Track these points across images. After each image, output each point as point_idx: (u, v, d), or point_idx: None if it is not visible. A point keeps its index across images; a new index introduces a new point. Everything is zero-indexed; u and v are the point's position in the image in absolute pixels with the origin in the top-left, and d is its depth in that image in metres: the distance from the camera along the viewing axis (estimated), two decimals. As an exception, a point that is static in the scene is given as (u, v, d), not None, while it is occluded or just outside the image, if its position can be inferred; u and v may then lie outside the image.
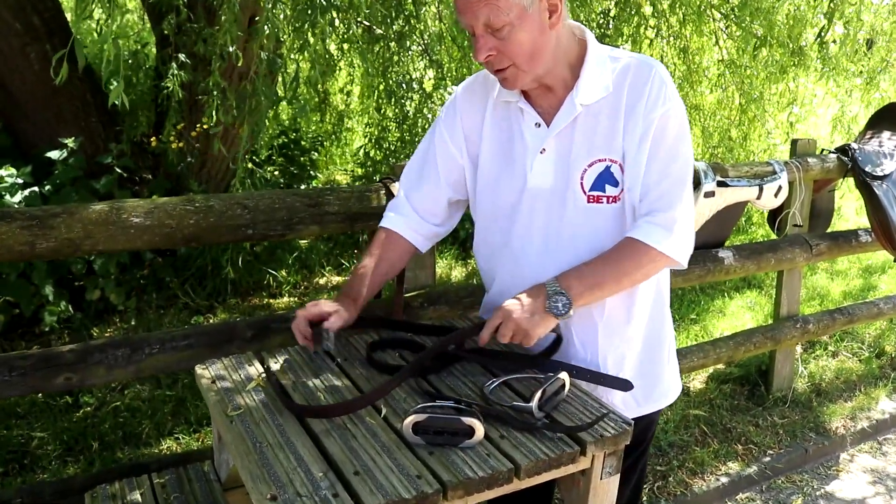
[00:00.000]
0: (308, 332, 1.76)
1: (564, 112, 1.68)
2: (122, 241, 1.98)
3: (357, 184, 6.07)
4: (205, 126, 4.17)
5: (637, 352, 1.87)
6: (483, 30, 1.57)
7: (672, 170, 1.66)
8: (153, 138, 4.38)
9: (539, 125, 1.71)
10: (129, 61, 4.25)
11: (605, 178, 1.67)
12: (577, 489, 1.64)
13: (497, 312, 1.65)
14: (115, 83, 2.05)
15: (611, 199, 1.68)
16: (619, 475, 1.65)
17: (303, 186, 5.67)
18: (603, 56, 1.69)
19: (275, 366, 1.79)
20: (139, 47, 4.59)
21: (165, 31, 4.05)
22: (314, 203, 2.22)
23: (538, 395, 1.57)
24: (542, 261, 1.75)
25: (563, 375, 1.67)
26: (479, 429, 1.47)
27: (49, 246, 1.89)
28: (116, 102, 2.08)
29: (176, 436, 3.16)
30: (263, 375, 1.73)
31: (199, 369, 1.78)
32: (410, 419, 1.47)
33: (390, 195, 2.30)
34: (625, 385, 1.73)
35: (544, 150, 1.70)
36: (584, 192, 1.68)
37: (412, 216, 1.90)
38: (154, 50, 4.69)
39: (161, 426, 3.19)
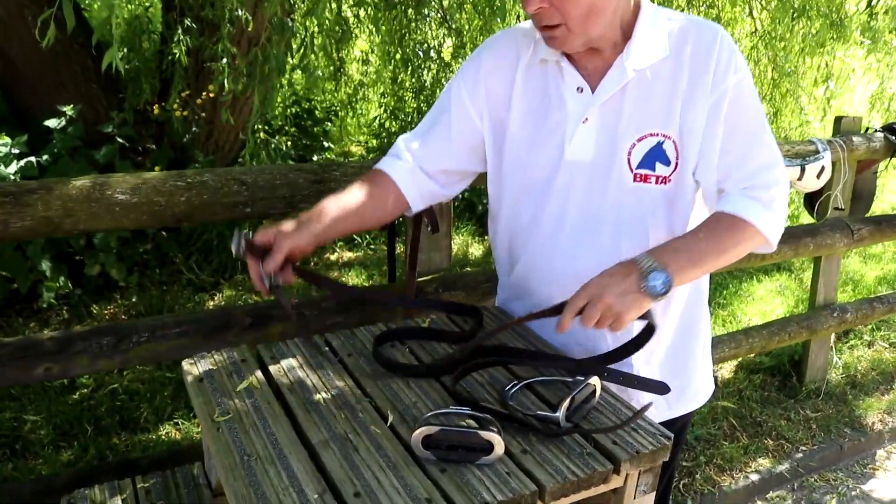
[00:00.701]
0: (256, 267, 1.47)
1: (613, 76, 1.45)
2: (107, 220, 1.80)
3: (371, 156, 5.88)
4: (211, 94, 3.97)
5: (667, 346, 1.67)
6: None
7: (763, 140, 1.46)
8: (156, 106, 4.18)
9: (582, 90, 1.48)
10: (133, 25, 4.05)
11: (656, 156, 1.46)
12: (607, 509, 1.45)
13: (582, 292, 1.36)
14: (116, 48, 1.85)
15: (660, 179, 1.47)
16: (654, 493, 1.46)
17: (315, 158, 5.48)
18: (658, 16, 1.47)
19: (271, 362, 1.61)
20: (143, 10, 4.38)
21: (171, -7, 3.85)
22: (319, 179, 2.02)
23: (566, 403, 1.39)
24: (578, 243, 1.54)
25: (594, 380, 1.48)
26: (499, 444, 1.28)
27: (24, 225, 1.71)
28: (119, 68, 1.88)
29: (175, 421, 3.00)
30: (257, 375, 1.55)
31: (186, 365, 1.60)
32: (420, 432, 1.28)
33: (402, 171, 2.10)
34: (662, 388, 1.52)
35: (587, 119, 1.47)
36: (631, 170, 1.47)
37: (413, 167, 1.62)
38: (159, 14, 4.49)
39: (160, 411, 3.03)
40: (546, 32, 1.43)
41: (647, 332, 1.47)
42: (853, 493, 3.04)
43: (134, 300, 3.82)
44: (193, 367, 1.59)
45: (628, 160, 1.47)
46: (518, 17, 4.36)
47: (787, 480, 3.05)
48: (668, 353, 1.68)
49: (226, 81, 3.17)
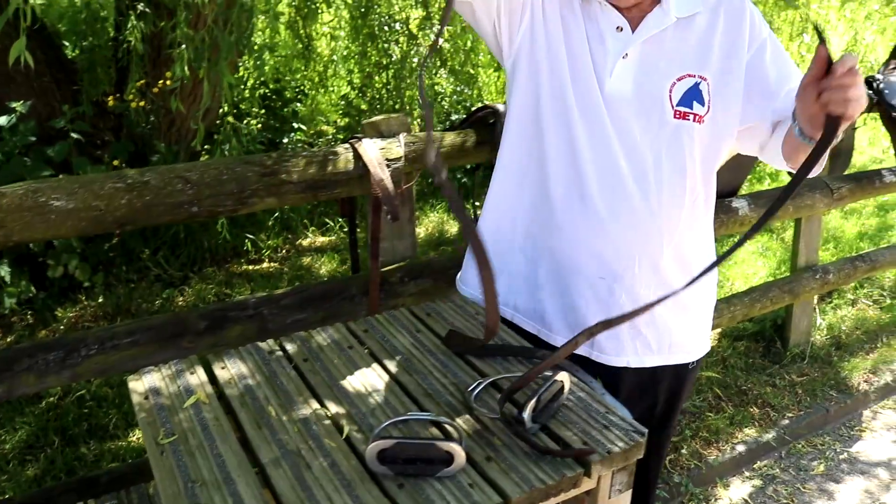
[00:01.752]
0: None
1: (654, 18, 1.52)
2: (42, 230, 1.69)
3: (341, 135, 5.75)
4: (168, 82, 3.83)
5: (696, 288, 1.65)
6: None
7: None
8: (110, 98, 4.04)
9: (622, 29, 1.54)
10: (84, 13, 3.90)
11: (694, 95, 1.54)
12: (581, 511, 1.38)
13: (849, 60, 1.25)
14: (24, 38, 1.71)
15: (697, 117, 1.54)
16: (630, 490, 1.39)
17: (286, 140, 5.35)
18: None
19: (221, 371, 1.52)
20: (92, -2, 4.23)
21: (120, -21, 3.70)
22: (269, 172, 1.92)
23: (532, 403, 1.30)
24: (619, 171, 1.55)
25: (563, 376, 1.40)
26: (460, 455, 1.20)
27: (-48, 239, 1.60)
28: (29, 62, 1.75)
29: (146, 424, 2.91)
30: (206, 388, 1.46)
31: (131, 382, 1.51)
32: (375, 446, 1.20)
33: (358, 158, 2.00)
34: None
35: (627, 55, 1.53)
36: (672, 107, 1.53)
37: None
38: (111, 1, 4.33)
39: (129, 415, 2.94)
40: None
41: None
42: (841, 456, 3.00)
43: (101, 300, 3.72)
44: (139, 384, 1.49)
45: (669, 97, 1.53)
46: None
47: (774, 449, 3.00)
48: (675, 301, 1.61)
49: (186, 68, 3.04)
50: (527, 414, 1.29)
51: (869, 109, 3.31)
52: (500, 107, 2.19)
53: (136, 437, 2.86)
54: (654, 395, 1.77)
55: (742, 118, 1.56)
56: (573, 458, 1.24)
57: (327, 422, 1.35)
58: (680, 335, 1.69)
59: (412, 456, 1.20)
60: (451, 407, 1.39)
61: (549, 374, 1.40)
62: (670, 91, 1.53)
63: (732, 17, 1.54)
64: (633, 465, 1.35)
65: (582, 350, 1.66)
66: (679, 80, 1.53)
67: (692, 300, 1.70)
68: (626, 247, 1.58)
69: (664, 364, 1.70)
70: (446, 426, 1.32)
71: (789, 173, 1.62)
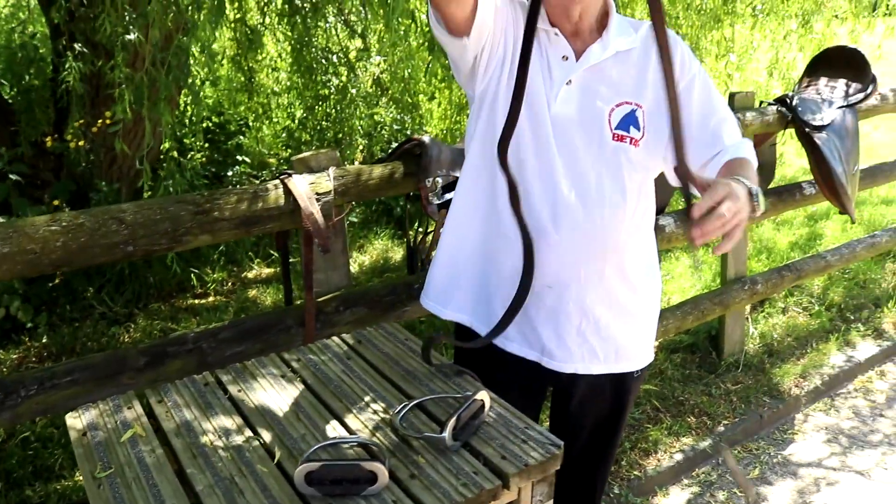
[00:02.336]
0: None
1: (596, 49, 1.67)
2: (-24, 275, 1.73)
3: (283, 166, 5.79)
4: (108, 121, 3.86)
5: (641, 302, 1.83)
6: None
7: (727, 105, 1.76)
8: (48, 138, 4.05)
9: (567, 58, 1.67)
10: (18, 54, 3.91)
11: (630, 121, 1.68)
12: (506, 522, 1.45)
13: (722, 188, 1.39)
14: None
15: (634, 140, 1.67)
16: (551, 501, 1.47)
17: (230, 173, 5.38)
18: (623, 18, 1.73)
19: (158, 405, 1.57)
20: (28, 38, 4.24)
21: (56, 21, 3.72)
22: (201, 210, 1.98)
23: (452, 422, 1.38)
24: (561, 188, 1.67)
25: (483, 395, 1.48)
26: (383, 474, 1.27)
27: None
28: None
29: (93, 463, 2.92)
30: (143, 421, 1.51)
31: (69, 419, 1.55)
32: (302, 468, 1.27)
33: (288, 193, 2.07)
34: None
35: (570, 81, 1.67)
36: (612, 129, 1.67)
37: None
38: (49, 41, 4.34)
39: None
40: None
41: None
42: (775, 460, 3.12)
43: (44, 341, 3.71)
44: (77, 421, 1.54)
45: (609, 121, 1.66)
46: (413, 16, 4.32)
47: (710, 456, 3.11)
48: (620, 310, 1.79)
49: (117, 110, 3.08)
50: (447, 433, 1.37)
51: (785, 126, 3.49)
52: (427, 139, 2.29)
53: (82, 476, 2.86)
54: (602, 403, 1.87)
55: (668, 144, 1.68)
56: (492, 471, 1.32)
57: (260, 448, 1.41)
58: (625, 344, 1.80)
59: (338, 477, 1.27)
60: (378, 429, 1.46)
61: (469, 393, 1.49)
62: (609, 116, 1.66)
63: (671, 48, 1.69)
64: (553, 477, 1.44)
65: (532, 356, 1.77)
66: (617, 106, 1.67)
67: (637, 309, 1.81)
68: (570, 257, 1.69)
69: (610, 372, 1.80)
70: (372, 447, 1.39)
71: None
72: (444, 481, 1.30)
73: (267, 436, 1.45)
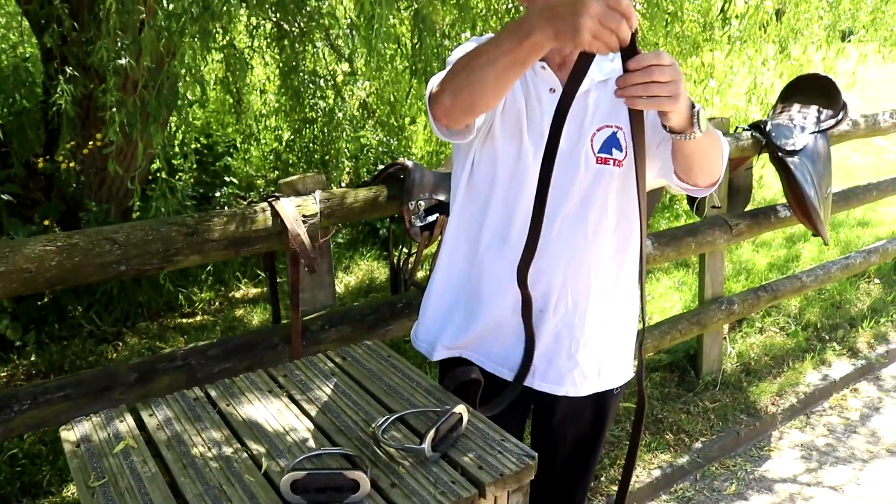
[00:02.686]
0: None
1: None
2: (-27, 292, 1.79)
3: (270, 188, 5.86)
4: (99, 143, 3.93)
5: (625, 321, 1.89)
6: None
7: None
8: (40, 159, 4.11)
9: (554, 90, 1.73)
10: (10, 77, 3.98)
11: (612, 143, 1.75)
12: (483, 530, 1.52)
13: (669, 59, 1.37)
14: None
15: (616, 162, 1.74)
16: (527, 510, 1.54)
17: (217, 194, 5.45)
18: None
19: (149, 419, 1.64)
20: (21, 61, 4.31)
21: (48, 45, 3.79)
22: (192, 231, 2.05)
23: (431, 434, 1.45)
24: (552, 215, 1.73)
25: (460, 409, 1.55)
26: (365, 482, 1.34)
27: None
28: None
29: (81, 480, 2.96)
30: (135, 434, 1.57)
31: (63, 432, 1.61)
32: (288, 477, 1.33)
33: (276, 215, 2.15)
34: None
35: None
36: (595, 153, 1.74)
37: None
38: (41, 65, 4.41)
39: (64, 472, 2.98)
40: None
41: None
42: (751, 476, 3.20)
43: (33, 359, 3.75)
44: (71, 433, 1.60)
45: (591, 145, 1.74)
46: (399, 41, 4.43)
47: (688, 472, 3.18)
48: (622, 323, 1.88)
49: (110, 132, 3.15)
50: (426, 444, 1.44)
51: (760, 151, 3.60)
52: (409, 163, 2.37)
53: (70, 492, 2.91)
54: (583, 420, 1.94)
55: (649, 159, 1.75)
56: (469, 480, 1.39)
57: (247, 459, 1.48)
58: (608, 362, 1.87)
59: (322, 485, 1.34)
60: (360, 441, 1.53)
61: (447, 407, 1.56)
62: (592, 139, 1.74)
63: None
64: (528, 486, 1.51)
65: (525, 381, 1.83)
66: (599, 130, 1.74)
67: (620, 328, 1.88)
68: (559, 280, 1.76)
69: (596, 391, 1.86)
70: (355, 458, 1.45)
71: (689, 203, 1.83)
72: (423, 490, 1.37)
73: (254, 447, 1.52)
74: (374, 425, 1.56)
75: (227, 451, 1.51)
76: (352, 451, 1.48)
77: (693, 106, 1.47)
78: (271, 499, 1.35)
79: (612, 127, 1.75)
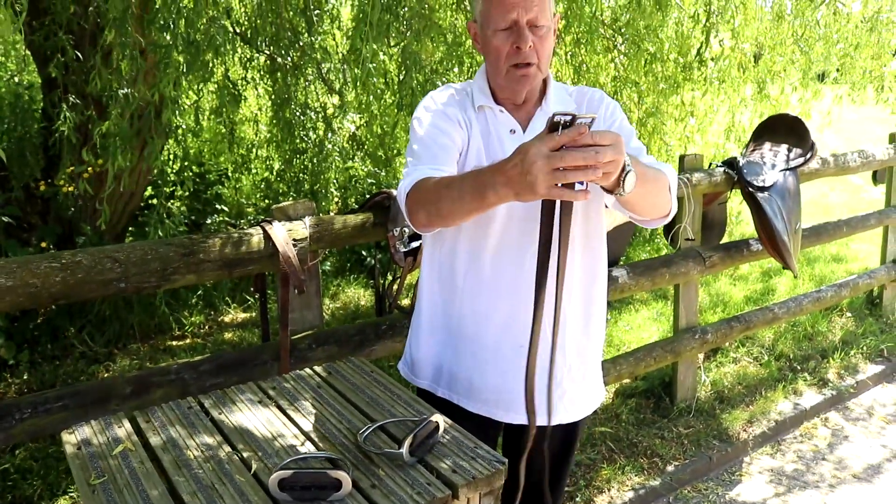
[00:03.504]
0: None
1: (539, 118, 1.83)
2: (-18, 305, 1.90)
3: (259, 216, 5.99)
4: (97, 169, 4.06)
5: (596, 346, 1.99)
6: (526, 24, 1.72)
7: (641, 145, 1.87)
8: (41, 182, 4.24)
9: (514, 131, 1.83)
10: (14, 105, 4.11)
11: None
12: (456, 532, 1.63)
13: (609, 135, 1.38)
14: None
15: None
16: (498, 515, 1.65)
17: (208, 221, 5.57)
18: (558, 84, 1.91)
19: (146, 425, 1.75)
20: (23, 89, 4.45)
21: (53, 74, 3.94)
22: (188, 252, 2.17)
23: (409, 439, 1.57)
24: (521, 252, 1.82)
25: (437, 417, 1.67)
26: (347, 481, 1.45)
27: None
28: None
29: (70, 494, 3.05)
30: (133, 438, 1.68)
31: (65, 435, 1.72)
32: (276, 476, 1.45)
33: (268, 238, 2.28)
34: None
35: None
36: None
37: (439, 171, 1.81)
38: (39, 93, 4.55)
39: (54, 486, 3.07)
40: (521, 70, 1.77)
41: None
42: (723, 499, 3.31)
43: (25, 377, 3.84)
44: (72, 437, 1.71)
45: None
46: (386, 75, 4.59)
47: (661, 495, 3.29)
48: (595, 352, 1.99)
49: (118, 157, 3.27)
50: (404, 449, 1.56)
51: (732, 186, 3.76)
52: (395, 192, 2.51)
53: (61, 505, 3.00)
54: (553, 442, 2.01)
55: None
56: (441, 481, 1.51)
57: (238, 462, 1.59)
58: (590, 387, 1.99)
59: (307, 483, 1.46)
60: (344, 447, 1.64)
61: (424, 415, 1.68)
62: None
63: (593, 107, 1.88)
64: (499, 491, 1.62)
65: (506, 419, 1.93)
66: None
67: (594, 353, 1.98)
68: (526, 314, 1.77)
69: (582, 417, 1.99)
70: (338, 461, 1.57)
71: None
72: (400, 490, 1.48)
73: (245, 451, 1.63)
74: (356, 433, 1.68)
75: (220, 454, 1.62)
76: (335, 454, 1.60)
77: (623, 169, 1.45)
78: (260, 496, 1.46)
79: None
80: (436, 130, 1.80)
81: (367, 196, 3.86)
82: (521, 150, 1.38)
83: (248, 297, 5.01)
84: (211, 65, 3.38)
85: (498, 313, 1.87)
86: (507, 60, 1.77)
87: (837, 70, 5.73)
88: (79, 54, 4.03)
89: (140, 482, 1.52)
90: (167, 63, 3.01)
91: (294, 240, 2.32)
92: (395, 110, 3.86)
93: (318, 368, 2.02)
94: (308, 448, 1.64)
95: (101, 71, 3.10)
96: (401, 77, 3.25)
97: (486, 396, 1.92)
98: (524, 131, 1.84)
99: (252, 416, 1.78)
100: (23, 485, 3.08)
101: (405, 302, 2.78)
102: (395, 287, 2.75)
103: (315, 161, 5.18)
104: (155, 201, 3.54)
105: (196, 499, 1.46)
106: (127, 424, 1.75)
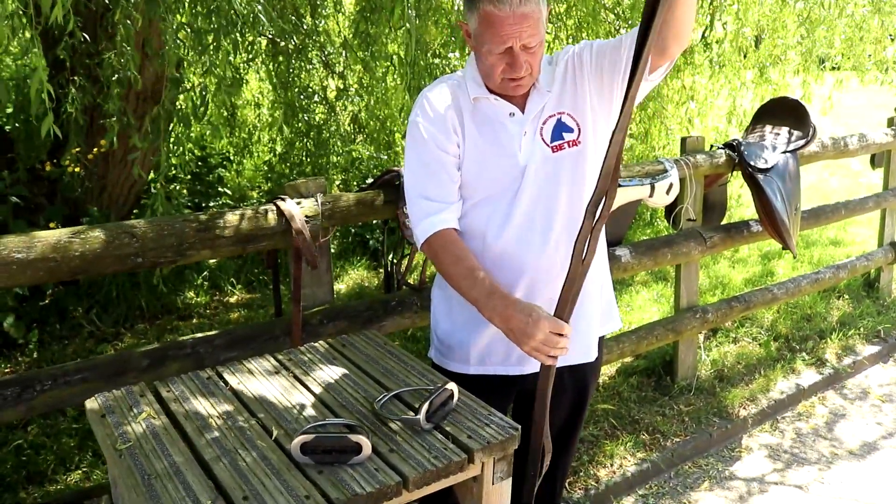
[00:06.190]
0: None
1: (535, 98, 1.91)
2: (4, 279, 1.94)
3: (262, 197, 6.03)
4: (102, 149, 4.09)
5: (601, 278, 2.13)
6: (519, 48, 1.79)
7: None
8: (47, 163, 4.27)
9: (514, 114, 1.91)
10: (21, 86, 4.13)
11: (561, 128, 1.92)
12: (472, 496, 1.69)
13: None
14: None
15: (572, 142, 1.93)
16: (510, 479, 1.70)
17: (211, 204, 5.60)
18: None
19: (167, 394, 1.79)
20: (30, 70, 4.45)
21: (61, 56, 3.96)
22: (204, 227, 2.21)
23: (425, 406, 1.62)
24: (533, 222, 1.93)
25: (451, 386, 1.72)
26: (367, 445, 1.50)
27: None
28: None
29: (83, 468, 3.10)
30: (155, 406, 1.73)
31: (89, 403, 1.77)
32: (298, 440, 1.50)
33: (281, 215, 2.32)
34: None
35: (526, 132, 1.91)
36: (547, 144, 1.91)
37: (453, 209, 1.93)
38: (44, 75, 4.56)
39: (67, 461, 3.12)
40: (515, 83, 1.86)
41: None
42: (723, 475, 3.37)
43: (35, 356, 3.88)
44: (96, 404, 1.75)
45: (542, 137, 1.91)
46: (388, 56, 4.61)
47: (663, 470, 3.34)
48: (601, 283, 2.12)
49: (136, 139, 3.31)
50: (421, 415, 1.61)
51: (733, 168, 3.80)
52: (403, 170, 2.54)
53: (73, 480, 3.04)
54: (564, 396, 2.12)
55: (613, 83, 1.89)
56: (457, 445, 1.56)
57: (258, 427, 1.64)
58: (599, 328, 2.13)
59: (329, 447, 1.51)
60: (361, 415, 1.69)
61: (439, 384, 1.73)
62: (541, 134, 1.90)
63: (563, 65, 1.94)
64: (512, 456, 1.68)
65: (517, 371, 2.04)
66: (544, 123, 1.91)
67: (600, 289, 2.10)
68: (557, 270, 1.91)
69: (593, 360, 2.11)
70: (357, 427, 1.62)
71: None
72: (418, 454, 1.54)
73: (265, 418, 1.68)
74: (373, 401, 1.73)
75: (240, 421, 1.67)
76: (353, 421, 1.64)
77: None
78: (282, 459, 1.51)
79: (553, 115, 1.92)
80: (440, 155, 1.90)
81: (370, 180, 3.90)
82: (535, 315, 1.73)
83: (253, 279, 5.05)
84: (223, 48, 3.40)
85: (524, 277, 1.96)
86: (501, 73, 1.85)
87: (842, 54, 5.75)
88: (86, 36, 4.04)
89: (164, 447, 1.56)
90: (174, 44, 3.03)
91: (306, 216, 2.36)
92: (403, 95, 3.89)
93: (331, 341, 2.07)
94: (326, 416, 1.69)
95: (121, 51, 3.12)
96: (407, 60, 3.27)
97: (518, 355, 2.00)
98: (523, 112, 1.92)
99: (270, 386, 1.82)
100: (37, 459, 3.13)
101: (413, 279, 2.82)
102: (404, 264, 2.79)
103: (317, 144, 5.21)
104: (158, 186, 3.56)
105: (220, 462, 1.51)
106: (148, 393, 1.80)
